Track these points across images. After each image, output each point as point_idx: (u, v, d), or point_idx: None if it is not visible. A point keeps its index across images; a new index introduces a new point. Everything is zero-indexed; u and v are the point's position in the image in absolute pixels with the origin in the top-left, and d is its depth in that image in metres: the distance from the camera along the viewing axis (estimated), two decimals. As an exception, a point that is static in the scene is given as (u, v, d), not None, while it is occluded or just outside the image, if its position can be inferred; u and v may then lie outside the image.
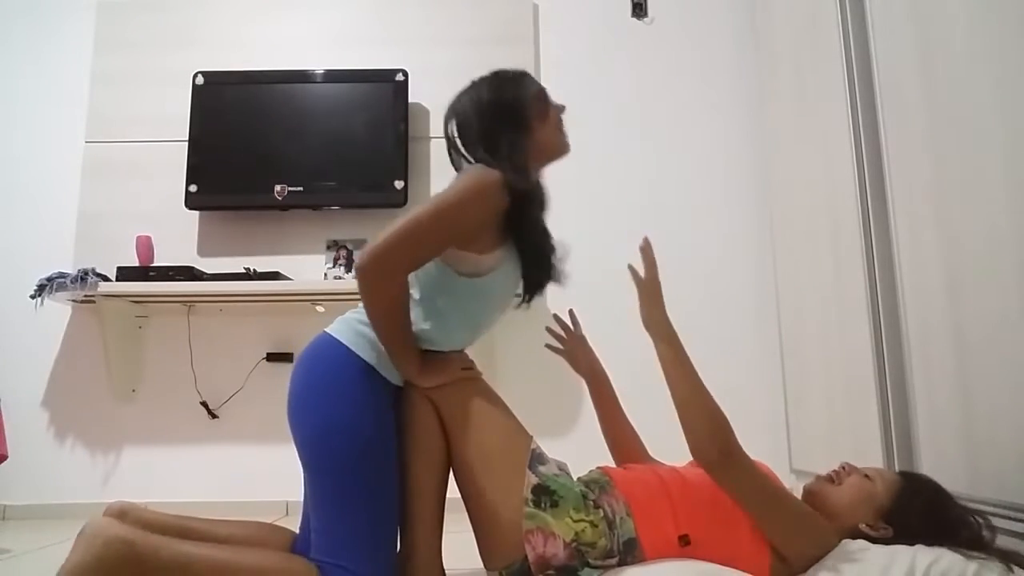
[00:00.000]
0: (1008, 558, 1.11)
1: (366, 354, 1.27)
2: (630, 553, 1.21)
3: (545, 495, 1.22)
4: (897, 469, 1.39)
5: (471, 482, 1.26)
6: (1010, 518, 1.38)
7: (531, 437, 1.30)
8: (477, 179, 1.25)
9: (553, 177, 1.44)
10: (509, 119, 1.35)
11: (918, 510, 1.21)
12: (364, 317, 1.30)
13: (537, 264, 1.38)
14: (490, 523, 1.23)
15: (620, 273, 1.38)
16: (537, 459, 1.27)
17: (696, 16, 3.13)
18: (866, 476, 1.26)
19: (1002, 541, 1.24)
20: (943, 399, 1.65)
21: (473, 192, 1.24)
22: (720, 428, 1.16)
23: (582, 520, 1.21)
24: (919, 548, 1.13)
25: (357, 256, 1.23)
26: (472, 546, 1.27)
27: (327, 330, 1.33)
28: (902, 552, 1.12)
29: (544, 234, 1.39)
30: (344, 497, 1.20)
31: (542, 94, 1.42)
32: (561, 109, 1.45)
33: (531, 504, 1.21)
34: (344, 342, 1.28)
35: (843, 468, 1.30)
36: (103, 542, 1.05)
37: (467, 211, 1.24)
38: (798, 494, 1.28)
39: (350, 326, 1.31)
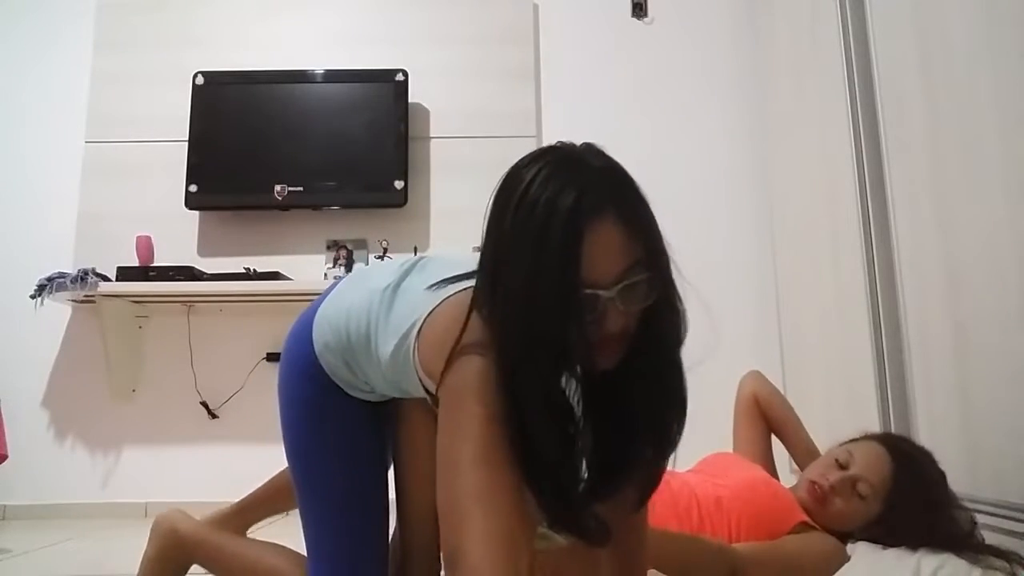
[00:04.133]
0: (1012, 560, 1.10)
1: (327, 365, 1.13)
2: None
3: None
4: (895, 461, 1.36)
5: None
6: (1010, 518, 1.38)
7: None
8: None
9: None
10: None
11: (911, 521, 1.21)
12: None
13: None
14: None
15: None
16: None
17: (696, 16, 3.13)
18: (860, 496, 1.26)
19: (1002, 541, 1.24)
20: (943, 399, 1.65)
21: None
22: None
23: None
24: (923, 553, 1.13)
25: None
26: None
27: (319, 309, 1.17)
28: (906, 558, 1.12)
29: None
30: (301, 503, 1.15)
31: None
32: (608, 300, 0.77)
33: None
34: (315, 343, 1.15)
35: (833, 486, 1.27)
36: (159, 534, 1.24)
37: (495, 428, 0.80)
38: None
39: (329, 321, 1.14)
